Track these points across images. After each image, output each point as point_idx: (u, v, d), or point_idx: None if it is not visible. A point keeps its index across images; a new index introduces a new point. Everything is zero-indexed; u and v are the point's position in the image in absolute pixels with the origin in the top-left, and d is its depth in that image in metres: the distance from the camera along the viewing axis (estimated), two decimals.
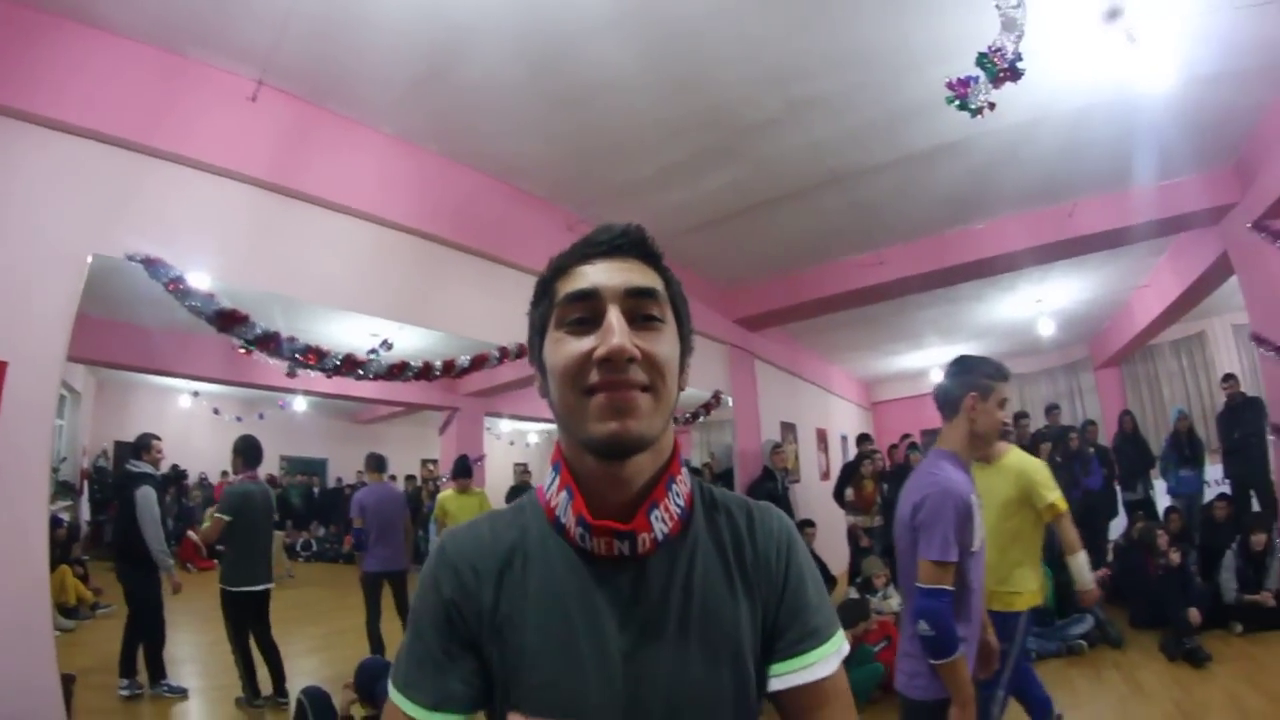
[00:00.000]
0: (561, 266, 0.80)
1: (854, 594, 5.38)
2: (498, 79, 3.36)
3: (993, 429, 1.97)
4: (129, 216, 2.86)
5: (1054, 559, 5.68)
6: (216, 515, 4.00)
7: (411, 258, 4.04)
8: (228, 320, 2.91)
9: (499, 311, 4.14)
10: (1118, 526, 6.77)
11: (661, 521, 0.77)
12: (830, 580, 5.94)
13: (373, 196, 3.75)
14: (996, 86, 2.58)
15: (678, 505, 0.80)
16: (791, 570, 0.83)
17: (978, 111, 2.66)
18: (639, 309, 0.75)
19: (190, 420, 5.38)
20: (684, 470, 0.83)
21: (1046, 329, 8.51)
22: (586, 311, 0.75)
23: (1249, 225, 5.16)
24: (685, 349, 0.83)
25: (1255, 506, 5.98)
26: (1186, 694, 4.04)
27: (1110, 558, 6.17)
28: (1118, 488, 7.01)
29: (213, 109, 3.14)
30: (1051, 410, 7.74)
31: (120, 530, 3.83)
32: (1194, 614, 4.70)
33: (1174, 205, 5.33)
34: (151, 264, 2.76)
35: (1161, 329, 9.31)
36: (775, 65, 3.37)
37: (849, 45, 3.29)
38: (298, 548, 6.26)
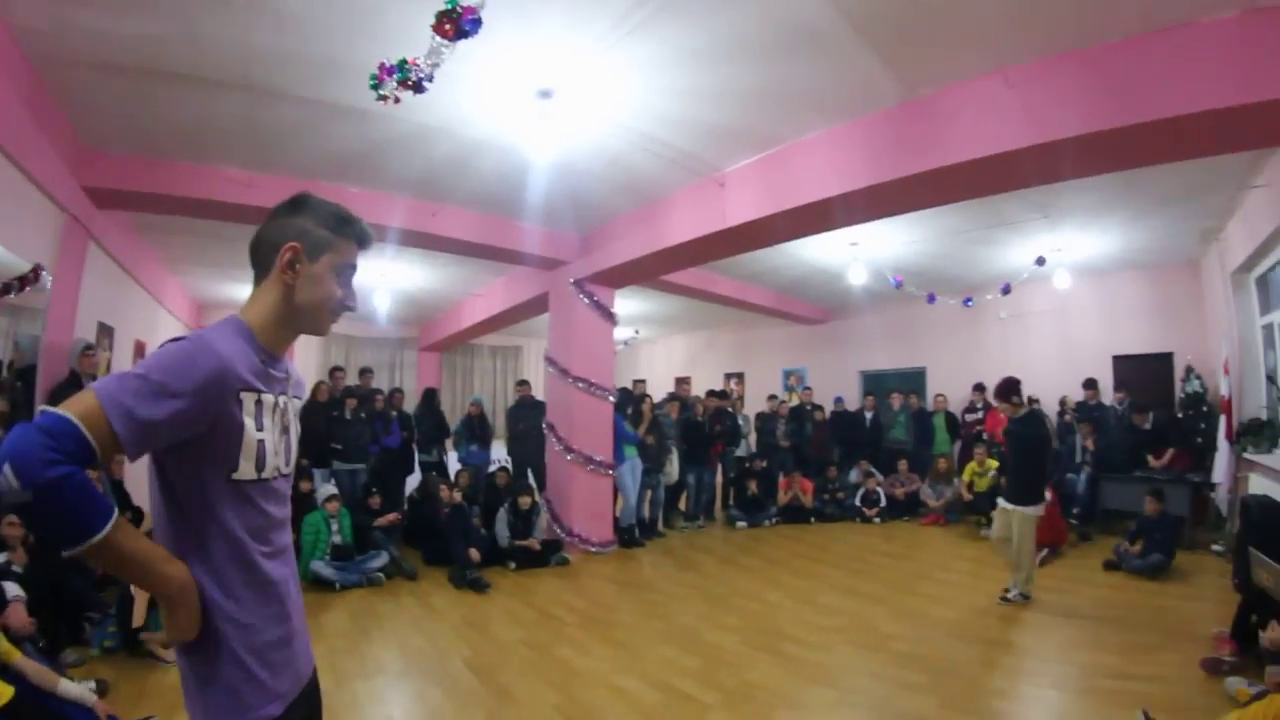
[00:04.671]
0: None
1: None
2: None
3: (320, 303, 1.34)
4: None
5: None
6: None
7: None
8: None
9: None
10: (414, 483, 7.98)
11: None
12: None
13: None
14: (403, 88, 3.07)
15: None
16: None
17: (383, 98, 3.12)
18: None
19: None
20: None
21: (383, 304, 9.27)
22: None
23: (571, 280, 7.08)
24: None
25: (531, 479, 7.89)
26: (472, 611, 5.10)
27: (405, 508, 7.20)
28: (415, 449, 8.20)
29: None
30: (365, 373, 8.52)
31: None
32: (474, 553, 6.00)
33: (525, 243, 6.78)
34: None
35: (484, 333, 11.44)
36: None
37: None
38: None
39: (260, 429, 1.24)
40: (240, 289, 9.17)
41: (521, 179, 5.42)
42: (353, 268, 1.40)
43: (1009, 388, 5.22)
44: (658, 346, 15.79)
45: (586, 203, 6.20)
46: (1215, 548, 6.40)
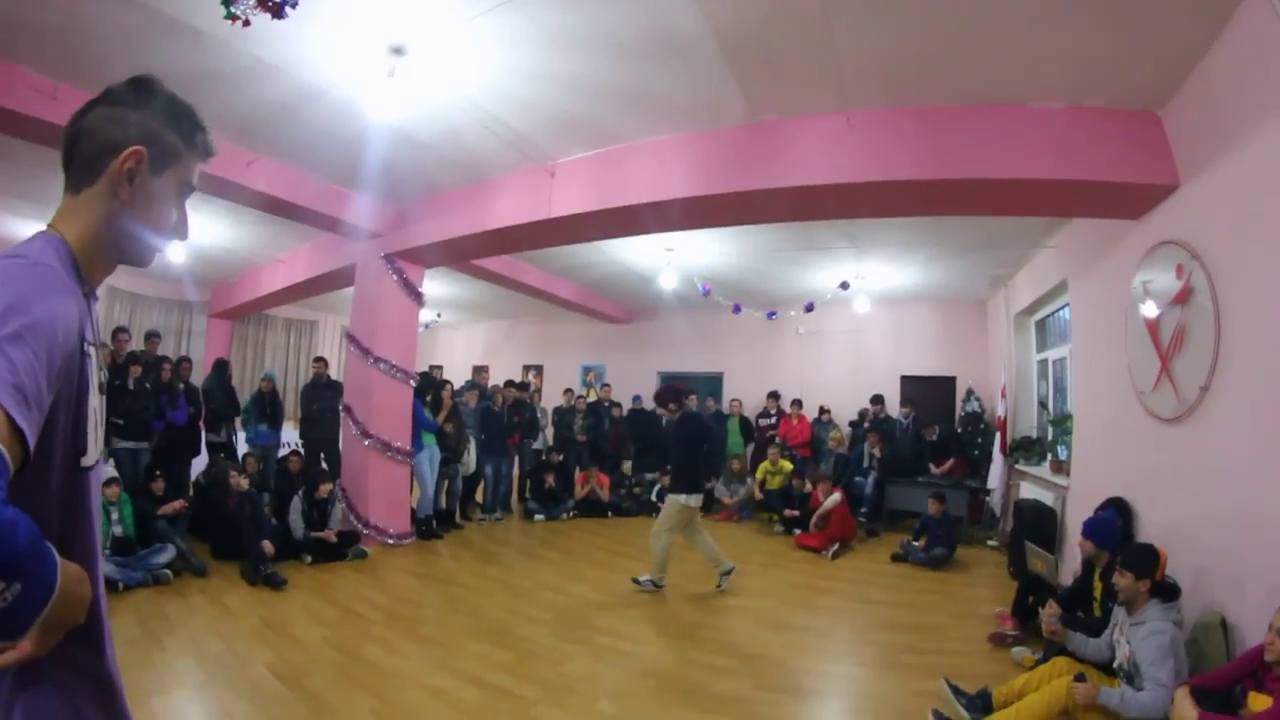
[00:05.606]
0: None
1: None
2: None
3: (155, 228, 1.06)
4: None
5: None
6: None
7: None
8: None
9: None
10: (200, 465, 7.13)
11: None
12: None
13: None
14: (261, 9, 2.73)
15: None
16: None
17: (233, 17, 2.75)
18: None
19: None
20: None
21: (177, 256, 8.00)
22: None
23: (382, 254, 6.70)
24: None
25: (324, 465, 7.34)
26: (271, 611, 4.62)
27: (191, 494, 6.40)
28: (203, 428, 7.38)
29: None
30: (151, 337, 7.55)
31: None
32: (268, 545, 5.45)
33: (339, 209, 6.20)
34: None
35: (281, 303, 10.46)
36: None
37: None
38: None
39: (95, 392, 0.93)
40: (16, 224, 7.47)
41: (351, 138, 4.96)
42: (192, 188, 1.11)
43: (667, 395, 5.70)
44: (458, 333, 15.36)
45: (412, 174, 5.83)
46: (990, 543, 7.43)
